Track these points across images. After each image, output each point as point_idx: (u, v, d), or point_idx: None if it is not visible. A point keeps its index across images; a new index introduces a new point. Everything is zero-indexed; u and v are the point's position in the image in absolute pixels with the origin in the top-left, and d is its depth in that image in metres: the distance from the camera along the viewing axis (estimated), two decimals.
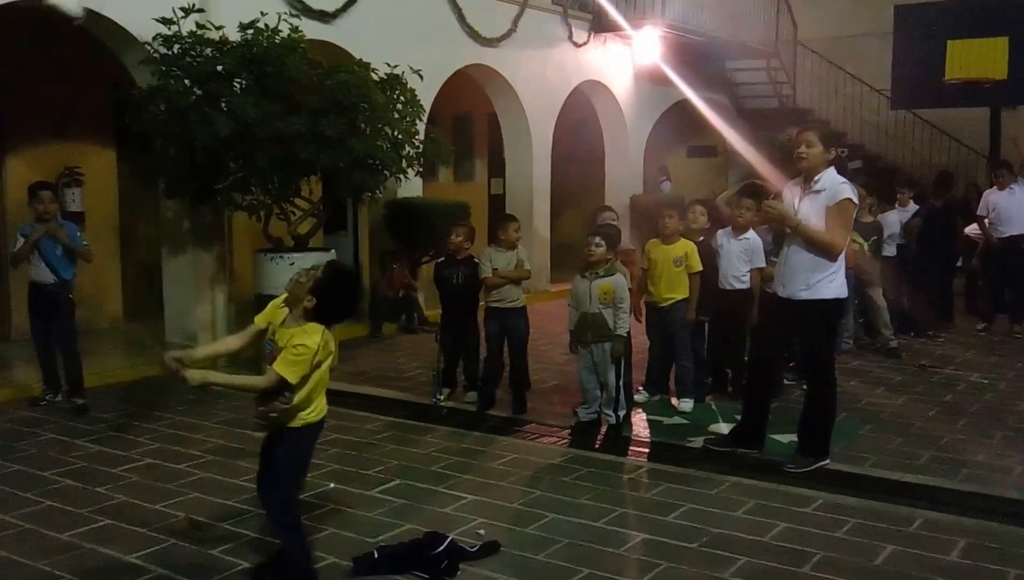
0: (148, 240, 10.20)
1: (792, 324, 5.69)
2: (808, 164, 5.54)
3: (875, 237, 9.36)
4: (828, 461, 5.70)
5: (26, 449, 6.20)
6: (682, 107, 15.49)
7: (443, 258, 7.68)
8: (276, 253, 8.35)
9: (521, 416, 6.95)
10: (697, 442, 6.30)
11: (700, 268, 7.08)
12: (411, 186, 10.50)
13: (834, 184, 5.49)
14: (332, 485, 5.42)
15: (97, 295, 10.26)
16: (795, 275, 5.56)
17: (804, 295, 5.52)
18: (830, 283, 5.50)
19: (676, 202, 8.66)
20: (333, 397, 7.75)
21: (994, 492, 5.38)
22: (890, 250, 9.90)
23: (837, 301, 5.61)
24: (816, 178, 5.53)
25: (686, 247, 7.09)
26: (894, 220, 10.18)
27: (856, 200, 5.51)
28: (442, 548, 4.38)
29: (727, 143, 15.88)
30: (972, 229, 11.25)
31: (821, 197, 5.49)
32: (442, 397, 7.38)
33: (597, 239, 6.43)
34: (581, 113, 14.81)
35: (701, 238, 7.30)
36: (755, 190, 7.01)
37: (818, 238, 5.45)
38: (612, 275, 6.43)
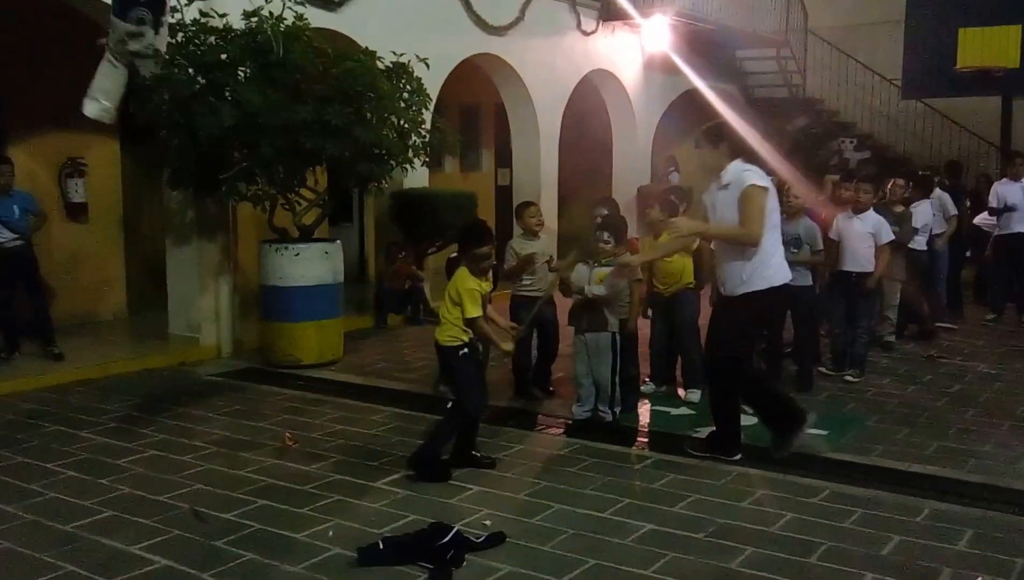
0: (152, 231, 10.18)
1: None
2: (708, 167, 5.68)
3: (896, 227, 8.45)
4: (739, 457, 5.62)
5: (30, 440, 6.20)
6: (691, 96, 15.39)
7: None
8: (281, 244, 8.33)
9: (529, 407, 6.96)
10: (704, 433, 6.25)
11: (696, 244, 7.02)
12: (417, 176, 10.45)
13: (738, 174, 5.44)
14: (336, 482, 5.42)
15: (101, 286, 10.26)
16: (731, 273, 5.54)
17: (742, 290, 5.49)
18: (765, 271, 5.44)
19: (676, 191, 8.61)
20: (339, 388, 7.78)
21: (1001, 483, 5.35)
22: (920, 243, 9.16)
23: (773, 290, 5.49)
24: (722, 173, 5.53)
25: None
26: (926, 211, 9.43)
27: (764, 184, 5.39)
28: (448, 539, 4.36)
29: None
30: (982, 219, 11.15)
31: (730, 190, 5.45)
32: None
33: (606, 235, 6.44)
34: (589, 103, 14.74)
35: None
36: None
37: (732, 234, 5.46)
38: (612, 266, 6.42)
